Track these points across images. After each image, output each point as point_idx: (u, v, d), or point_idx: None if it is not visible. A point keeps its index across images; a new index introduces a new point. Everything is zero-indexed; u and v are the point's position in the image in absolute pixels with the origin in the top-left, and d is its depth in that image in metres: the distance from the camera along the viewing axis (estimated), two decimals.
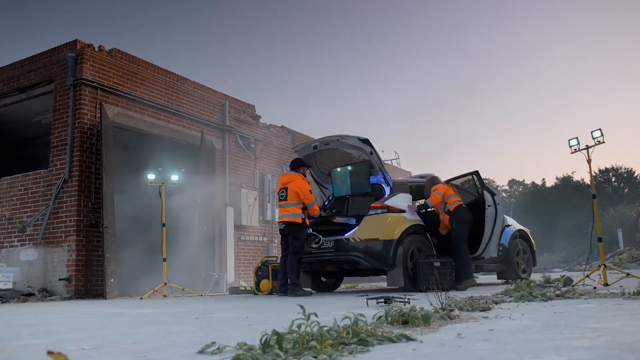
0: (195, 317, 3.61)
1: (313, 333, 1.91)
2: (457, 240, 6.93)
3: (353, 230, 6.82)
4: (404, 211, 6.93)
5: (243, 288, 8.37)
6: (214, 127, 10.93)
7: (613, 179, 48.18)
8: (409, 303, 3.46)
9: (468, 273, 6.85)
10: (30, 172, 8.84)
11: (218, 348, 1.91)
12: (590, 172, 6.09)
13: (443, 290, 3.44)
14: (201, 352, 1.92)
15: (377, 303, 4.06)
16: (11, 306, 6.26)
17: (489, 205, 7.32)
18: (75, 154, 8.24)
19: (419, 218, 7.09)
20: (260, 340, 1.80)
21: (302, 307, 2.07)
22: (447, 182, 7.68)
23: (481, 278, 13.72)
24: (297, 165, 6.97)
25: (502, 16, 76.78)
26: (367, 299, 4.22)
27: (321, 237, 6.87)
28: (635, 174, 47.42)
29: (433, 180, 7.49)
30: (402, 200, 7.08)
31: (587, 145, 5.96)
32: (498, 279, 8.67)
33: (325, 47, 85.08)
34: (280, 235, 7.01)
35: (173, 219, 8.60)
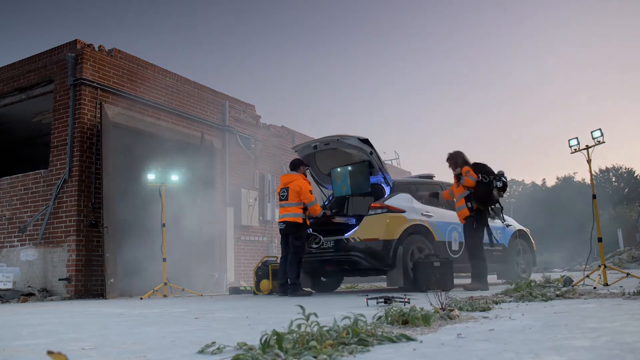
0: (195, 317, 3.61)
1: (313, 333, 1.91)
2: (474, 240, 6.59)
3: (353, 230, 6.82)
4: (404, 211, 6.93)
5: (243, 288, 8.37)
6: (214, 127, 10.93)
7: (613, 179, 48.19)
8: (409, 303, 3.46)
9: (484, 277, 6.52)
10: (30, 172, 8.84)
11: (218, 348, 1.92)
12: (590, 172, 6.09)
13: (443, 290, 3.45)
14: (201, 352, 1.92)
15: (377, 303, 4.06)
16: (11, 306, 6.26)
17: None
18: (75, 154, 8.24)
19: (419, 218, 7.08)
20: (260, 340, 1.80)
21: (301, 307, 2.06)
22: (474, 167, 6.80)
23: None
24: (296, 165, 6.98)
25: (501, 15, 76.76)
26: (367, 299, 4.22)
27: (321, 237, 6.87)
28: (635, 174, 47.43)
29: (464, 157, 6.76)
30: (402, 200, 7.08)
31: (587, 145, 5.96)
32: (498, 279, 8.67)
33: (326, 47, 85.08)
34: (280, 235, 7.02)
35: (173, 219, 8.59)
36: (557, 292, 4.29)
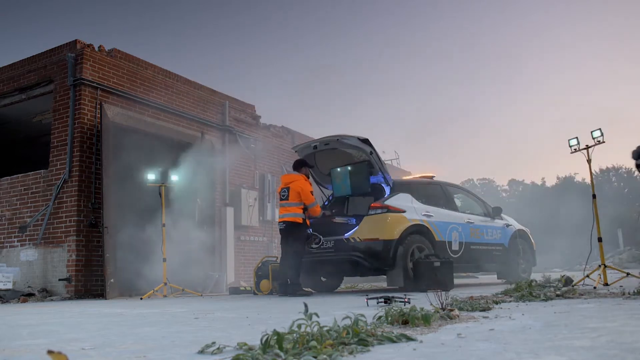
0: (195, 317, 3.61)
1: (313, 333, 1.91)
2: None
3: (353, 230, 6.83)
4: (404, 211, 6.93)
5: (243, 288, 8.37)
6: (214, 127, 10.92)
7: (613, 179, 48.18)
8: (409, 303, 3.46)
9: None
10: (30, 172, 8.84)
11: (218, 348, 1.92)
12: (590, 172, 6.09)
13: (443, 290, 3.44)
14: (201, 352, 1.92)
15: (377, 303, 4.06)
16: (11, 306, 6.26)
17: None
18: (75, 154, 8.24)
19: (419, 218, 7.07)
20: (261, 340, 1.80)
21: (305, 304, 2.07)
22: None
23: (481, 278, 13.73)
24: (299, 165, 6.97)
25: (500, 16, 76.80)
26: (367, 299, 4.22)
27: (321, 237, 6.87)
28: (636, 174, 47.38)
29: None
30: (402, 200, 7.08)
31: (587, 145, 5.97)
32: (498, 279, 8.67)
33: (326, 47, 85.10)
34: (280, 235, 7.02)
35: (173, 219, 8.59)
36: (557, 292, 4.29)
